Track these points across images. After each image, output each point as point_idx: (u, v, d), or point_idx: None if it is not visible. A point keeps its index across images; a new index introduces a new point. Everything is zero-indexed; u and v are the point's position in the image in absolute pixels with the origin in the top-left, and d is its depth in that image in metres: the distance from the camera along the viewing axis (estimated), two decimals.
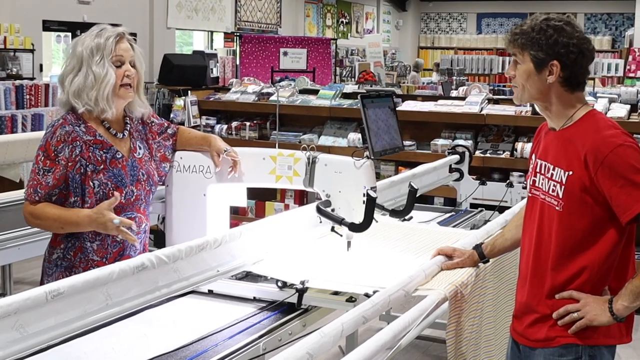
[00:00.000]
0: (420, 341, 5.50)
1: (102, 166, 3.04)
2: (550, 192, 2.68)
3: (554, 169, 2.68)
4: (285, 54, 9.92)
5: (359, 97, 3.12)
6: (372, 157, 3.06)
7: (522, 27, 2.69)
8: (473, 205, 5.45)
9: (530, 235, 2.79)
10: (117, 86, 3.06)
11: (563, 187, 2.63)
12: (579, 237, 2.63)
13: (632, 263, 2.67)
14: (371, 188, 3.02)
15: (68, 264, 3.09)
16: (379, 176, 7.23)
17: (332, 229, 3.12)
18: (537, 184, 2.77)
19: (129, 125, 3.19)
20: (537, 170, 2.77)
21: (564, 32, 2.63)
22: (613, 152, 2.52)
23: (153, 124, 3.31)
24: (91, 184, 3.02)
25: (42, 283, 3.13)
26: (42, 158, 3.02)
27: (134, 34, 13.80)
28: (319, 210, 3.06)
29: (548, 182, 2.70)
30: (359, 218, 3.01)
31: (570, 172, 2.61)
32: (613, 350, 2.74)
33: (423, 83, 15.65)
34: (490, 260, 3.09)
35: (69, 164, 3.00)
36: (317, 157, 3.13)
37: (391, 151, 3.18)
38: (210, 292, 3.05)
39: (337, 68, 17.31)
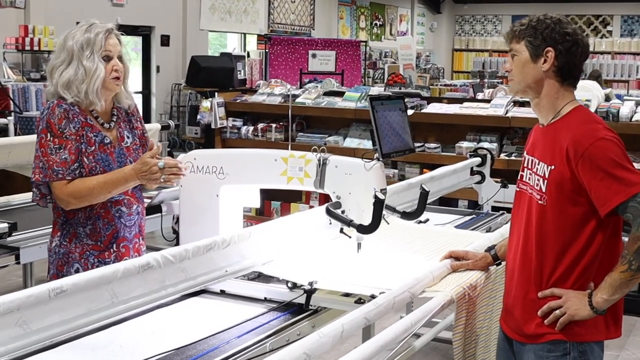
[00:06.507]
0: (440, 344, 5.48)
1: (93, 148, 3.14)
2: (535, 186, 2.74)
3: (538, 164, 2.74)
4: (314, 56, 9.91)
5: (368, 99, 3.13)
6: (381, 159, 3.06)
7: (521, 22, 2.79)
8: (495, 208, 5.42)
9: (518, 229, 2.84)
10: (107, 80, 3.16)
11: (546, 181, 2.69)
12: (561, 230, 2.68)
13: (618, 256, 2.67)
14: (381, 190, 3.02)
15: (65, 251, 3.20)
16: (403, 178, 7.23)
17: (341, 231, 3.13)
18: (524, 179, 2.84)
19: (115, 117, 3.28)
20: (525, 165, 2.85)
21: (560, 23, 2.73)
22: (593, 145, 2.58)
23: (138, 120, 3.40)
24: (85, 160, 3.13)
25: (48, 272, 3.26)
26: (50, 138, 3.10)
27: (167, 36, 13.77)
28: (328, 211, 3.08)
29: (534, 176, 2.76)
30: (368, 220, 3.02)
31: (553, 167, 2.67)
32: (602, 345, 2.77)
33: (455, 85, 15.57)
34: (503, 263, 3.09)
35: (77, 137, 3.11)
36: (328, 159, 3.14)
37: (401, 153, 3.18)
38: (222, 292, 3.09)
39: (370, 70, 17.28)
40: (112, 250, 3.23)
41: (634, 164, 2.67)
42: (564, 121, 2.72)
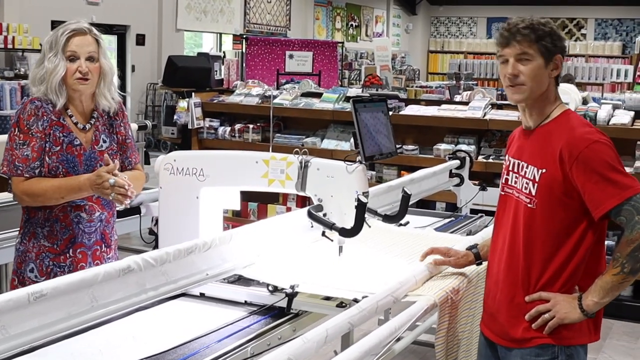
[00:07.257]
0: (419, 347, 5.48)
1: (58, 147, 3.14)
2: (524, 189, 2.72)
3: (527, 167, 2.72)
4: (291, 56, 9.88)
5: (351, 101, 3.10)
6: (364, 162, 3.04)
7: (524, 23, 2.69)
8: (474, 211, 5.43)
9: (503, 234, 2.82)
10: (69, 79, 3.14)
11: (536, 184, 2.67)
12: (551, 234, 2.67)
13: (602, 261, 2.69)
14: (363, 193, 3.00)
15: (24, 249, 3.22)
16: (381, 180, 7.21)
17: (323, 234, 3.11)
18: (509, 182, 2.81)
19: (93, 119, 3.26)
20: (510, 168, 2.82)
21: (553, 25, 2.72)
22: (588, 147, 2.57)
23: (122, 125, 3.37)
24: (47, 160, 3.12)
25: (13, 268, 3.28)
26: (17, 133, 3.12)
27: (142, 35, 13.70)
28: (310, 214, 3.05)
29: (522, 179, 2.74)
30: (350, 223, 3.00)
31: (544, 170, 2.65)
32: (586, 348, 2.78)
33: (431, 87, 15.62)
34: (484, 263, 3.08)
35: (43, 135, 3.11)
36: (310, 161, 3.11)
37: (384, 156, 3.16)
38: (202, 295, 3.06)
39: (346, 71, 17.29)
40: (67, 255, 3.22)
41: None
42: (554, 124, 2.70)
